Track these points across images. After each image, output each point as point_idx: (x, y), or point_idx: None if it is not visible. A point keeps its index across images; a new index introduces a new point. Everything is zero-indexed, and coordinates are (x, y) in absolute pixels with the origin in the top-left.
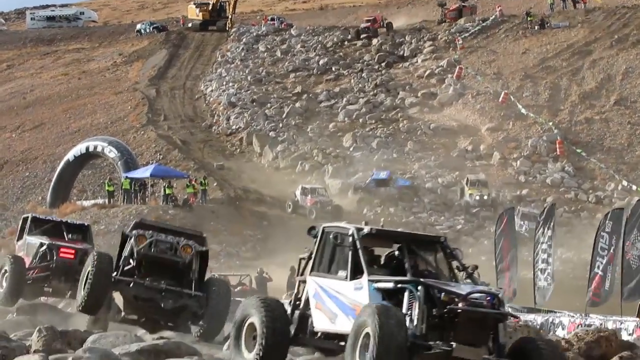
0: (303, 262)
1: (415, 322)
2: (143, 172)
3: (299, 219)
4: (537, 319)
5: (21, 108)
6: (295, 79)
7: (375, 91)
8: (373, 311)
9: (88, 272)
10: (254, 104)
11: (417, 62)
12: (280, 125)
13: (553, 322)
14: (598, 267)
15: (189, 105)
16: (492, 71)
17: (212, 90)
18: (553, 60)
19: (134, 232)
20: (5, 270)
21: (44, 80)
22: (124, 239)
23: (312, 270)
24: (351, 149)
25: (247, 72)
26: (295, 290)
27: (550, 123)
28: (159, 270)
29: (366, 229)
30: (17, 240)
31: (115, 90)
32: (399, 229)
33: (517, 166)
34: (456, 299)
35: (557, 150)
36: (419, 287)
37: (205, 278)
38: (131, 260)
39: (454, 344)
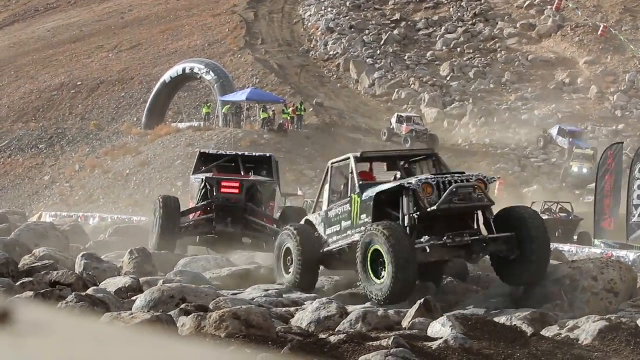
0: None
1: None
2: (239, 96)
3: (394, 146)
4: (629, 255)
5: (118, 27)
6: (394, 5)
7: (473, 20)
8: None
9: (388, 253)
10: (352, 29)
11: None
12: (378, 52)
13: None
14: None
15: (287, 29)
16: (591, 3)
17: (310, 15)
18: None
19: (413, 181)
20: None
21: (142, 0)
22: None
23: None
24: (448, 78)
25: None
26: None
27: None
28: (451, 218)
29: None
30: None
31: (213, 12)
32: None
33: (613, 100)
34: None
35: None
36: None
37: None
38: (415, 216)
39: None
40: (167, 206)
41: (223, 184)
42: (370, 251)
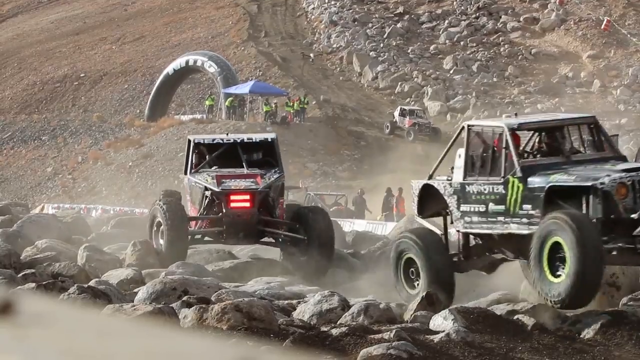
0: None
1: None
2: (242, 88)
3: (397, 140)
4: None
5: (122, 20)
6: None
7: (477, 14)
8: None
9: (575, 249)
10: (356, 23)
11: None
12: (381, 45)
13: None
14: None
15: (290, 22)
16: None
17: (313, 8)
18: None
19: (606, 181)
20: (159, 222)
21: None
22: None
23: None
24: (451, 72)
25: None
26: None
27: None
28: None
29: None
30: (184, 172)
31: (216, 4)
32: None
33: (617, 95)
34: None
35: None
36: None
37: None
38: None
39: None
40: (173, 215)
41: (232, 197)
42: (549, 244)
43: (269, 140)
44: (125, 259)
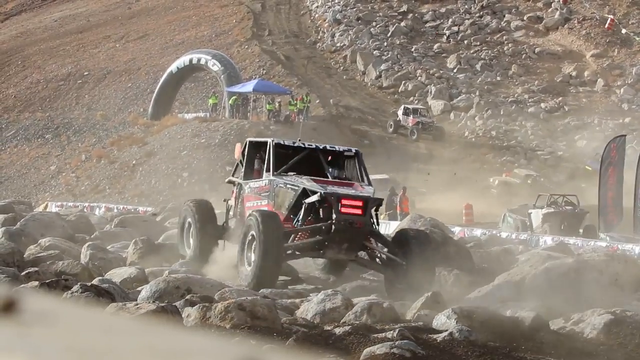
0: None
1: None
2: (245, 87)
3: (400, 139)
4: (635, 248)
5: (126, 18)
6: None
7: (481, 13)
8: None
9: None
10: (359, 21)
11: None
12: (385, 44)
13: None
14: None
15: (294, 20)
16: None
17: (317, 7)
18: None
19: None
20: (252, 236)
21: None
22: None
23: None
24: (455, 71)
25: None
26: None
27: None
28: None
29: None
30: (234, 171)
31: (220, 3)
32: None
33: (620, 94)
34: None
35: None
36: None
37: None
38: None
39: None
40: (268, 230)
41: (344, 202)
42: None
43: (353, 152)
44: (127, 257)
